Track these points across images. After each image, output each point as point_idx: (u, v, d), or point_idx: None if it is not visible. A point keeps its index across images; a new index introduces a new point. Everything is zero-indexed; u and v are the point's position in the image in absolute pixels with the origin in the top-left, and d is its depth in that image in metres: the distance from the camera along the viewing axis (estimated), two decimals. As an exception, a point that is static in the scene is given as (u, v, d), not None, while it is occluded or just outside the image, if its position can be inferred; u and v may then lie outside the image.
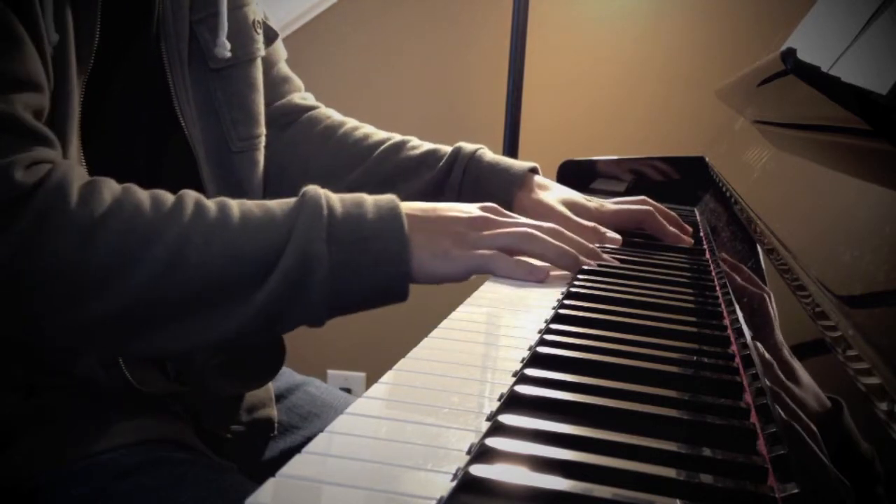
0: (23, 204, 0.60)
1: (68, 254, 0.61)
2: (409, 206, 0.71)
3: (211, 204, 0.67)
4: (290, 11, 2.12)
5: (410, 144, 1.00)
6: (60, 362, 0.74)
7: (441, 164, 0.97)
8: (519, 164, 0.96)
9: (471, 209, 0.75)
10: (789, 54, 0.76)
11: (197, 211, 0.65)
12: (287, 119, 1.04)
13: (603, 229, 0.89)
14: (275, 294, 0.65)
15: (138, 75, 0.81)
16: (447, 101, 2.15)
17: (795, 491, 0.36)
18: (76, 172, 0.64)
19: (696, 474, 0.38)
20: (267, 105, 0.98)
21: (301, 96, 1.07)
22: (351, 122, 1.06)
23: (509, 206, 0.92)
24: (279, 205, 0.68)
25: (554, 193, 0.95)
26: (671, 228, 0.95)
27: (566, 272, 0.77)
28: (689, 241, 0.95)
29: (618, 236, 0.90)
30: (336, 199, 0.68)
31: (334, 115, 1.07)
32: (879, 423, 0.32)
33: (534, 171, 0.97)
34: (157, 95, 0.81)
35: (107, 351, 0.71)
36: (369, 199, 0.69)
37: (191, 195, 0.67)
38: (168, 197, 0.66)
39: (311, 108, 1.07)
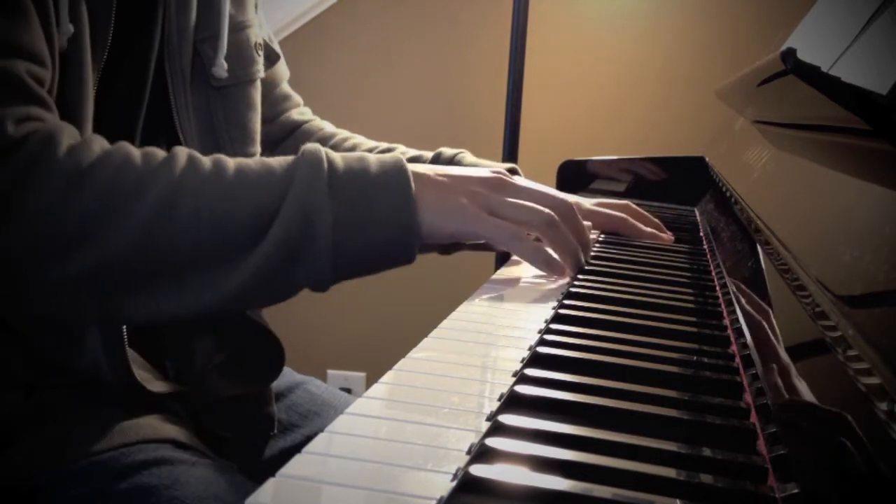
0: (10, 154, 0.60)
1: (53, 203, 0.60)
2: (416, 166, 0.70)
3: (206, 159, 0.65)
4: (290, 11, 2.12)
5: (397, 152, 1.04)
6: (61, 358, 0.74)
7: None
8: (498, 165, 0.98)
9: (482, 170, 0.74)
10: (789, 54, 0.76)
11: (190, 164, 0.64)
12: (284, 134, 1.08)
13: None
14: (274, 250, 0.63)
15: (141, 87, 0.81)
16: (447, 101, 2.15)
17: (795, 491, 0.36)
18: (69, 130, 0.63)
19: (696, 474, 0.38)
20: (268, 122, 1.02)
21: (299, 112, 1.11)
22: (342, 133, 1.10)
23: None
24: (278, 160, 0.66)
25: None
26: (647, 229, 0.98)
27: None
28: (667, 238, 0.98)
29: (588, 223, 0.92)
30: (337, 155, 0.67)
31: (327, 127, 1.11)
32: (879, 423, 0.32)
33: (512, 171, 0.99)
34: (158, 108, 0.82)
35: (98, 312, 0.66)
36: (372, 156, 0.68)
37: (184, 150, 0.65)
38: (161, 152, 0.65)
39: (307, 121, 1.11)
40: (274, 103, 1.06)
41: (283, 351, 0.91)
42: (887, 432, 0.31)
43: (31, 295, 0.64)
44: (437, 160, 1.01)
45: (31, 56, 0.64)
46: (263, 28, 1.02)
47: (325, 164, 0.65)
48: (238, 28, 0.91)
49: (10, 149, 0.60)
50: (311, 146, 0.67)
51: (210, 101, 0.86)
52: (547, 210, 0.73)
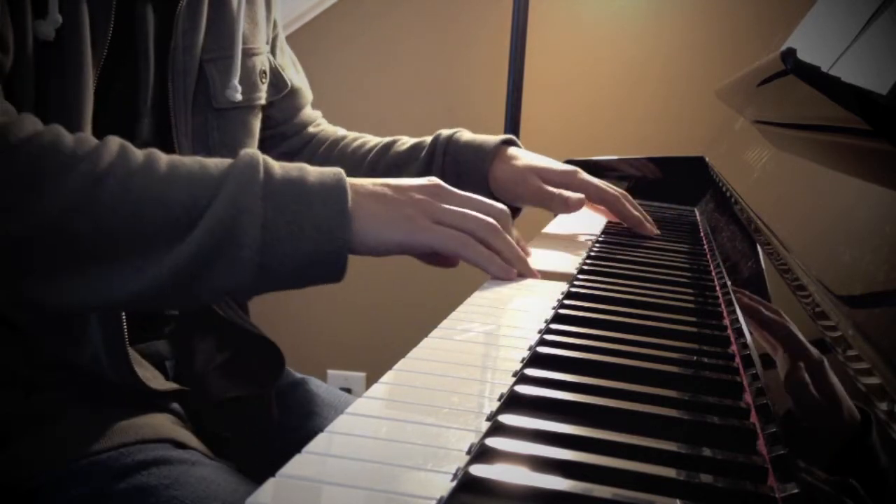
0: None
1: None
2: (358, 179, 0.69)
3: (138, 151, 0.64)
4: (291, 11, 2.12)
5: (400, 142, 1.06)
6: (62, 356, 0.74)
7: (424, 153, 1.01)
8: (493, 138, 1.00)
9: (419, 179, 0.73)
10: (789, 54, 0.76)
11: (121, 152, 0.63)
12: (301, 146, 1.10)
13: (567, 194, 0.94)
14: (199, 246, 0.61)
15: (140, 98, 0.81)
16: (447, 101, 2.15)
17: (795, 491, 0.36)
18: (3, 107, 0.62)
19: (696, 474, 0.38)
20: (289, 137, 1.07)
21: (315, 124, 1.14)
22: (352, 135, 1.12)
23: (485, 176, 0.97)
24: (214, 161, 0.65)
25: (524, 161, 0.99)
26: (634, 212, 0.99)
27: (567, 272, 0.77)
28: (651, 230, 1.00)
29: (581, 196, 0.94)
30: (275, 162, 0.66)
31: (339, 132, 1.13)
32: (879, 423, 0.32)
33: (509, 142, 1.00)
34: (157, 123, 0.83)
35: (7, 293, 0.64)
36: (313, 168, 0.67)
37: (116, 139, 0.64)
38: (94, 139, 0.64)
39: (320, 131, 1.13)
40: (297, 123, 1.09)
41: (282, 357, 0.91)
42: (887, 432, 0.31)
43: None
44: (437, 140, 1.01)
45: None
46: (286, 55, 1.05)
47: (262, 169, 0.64)
48: (247, 54, 0.91)
49: None
50: (248, 151, 0.66)
51: (208, 122, 0.86)
52: (488, 219, 0.72)
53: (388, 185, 0.70)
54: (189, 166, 0.63)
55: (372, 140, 1.09)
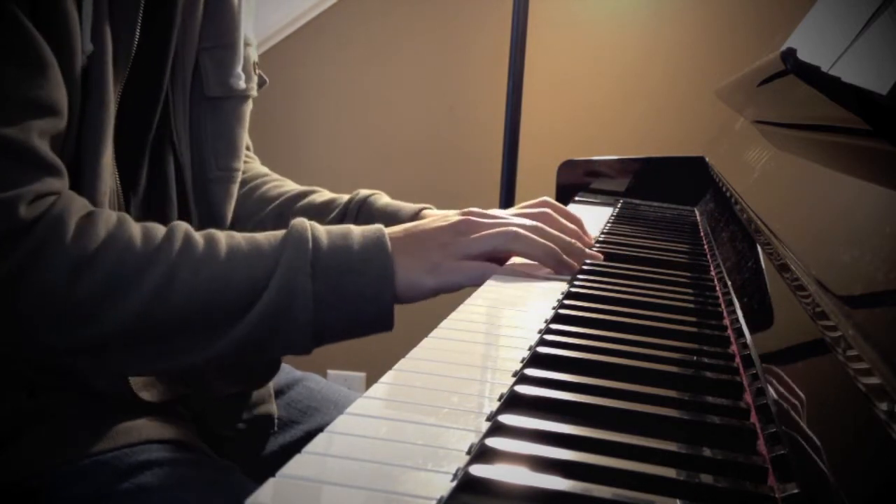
0: (22, 237, 0.62)
1: (60, 286, 0.63)
2: (394, 230, 0.74)
3: (199, 237, 0.69)
4: (291, 11, 2.12)
5: (315, 194, 0.98)
6: (57, 365, 0.74)
7: (336, 211, 0.95)
8: (409, 206, 0.94)
9: (451, 216, 0.77)
10: (789, 54, 0.76)
11: (185, 245, 0.68)
12: None
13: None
14: (257, 326, 0.67)
15: (154, 99, 0.81)
16: (447, 101, 2.15)
17: (795, 491, 0.36)
18: (77, 205, 0.66)
19: (696, 474, 0.38)
20: None
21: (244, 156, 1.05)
22: (271, 178, 1.03)
23: None
24: (266, 238, 0.70)
25: None
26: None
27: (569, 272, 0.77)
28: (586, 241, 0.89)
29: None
30: (322, 232, 0.70)
31: (261, 170, 1.05)
32: (879, 423, 0.32)
33: (426, 209, 0.94)
34: (162, 120, 0.83)
35: (92, 368, 0.73)
36: (356, 231, 0.72)
37: (181, 228, 0.69)
38: (159, 230, 0.68)
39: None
40: None
41: None
42: (887, 432, 0.31)
43: (33, 355, 0.70)
44: (351, 200, 0.95)
45: (46, 109, 0.65)
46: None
47: (310, 245, 0.69)
48: (244, 43, 0.91)
49: (21, 231, 0.62)
50: (298, 223, 0.70)
51: (201, 113, 0.87)
52: (506, 229, 0.75)
53: (416, 234, 0.74)
54: (245, 251, 0.69)
55: (286, 186, 1.01)
